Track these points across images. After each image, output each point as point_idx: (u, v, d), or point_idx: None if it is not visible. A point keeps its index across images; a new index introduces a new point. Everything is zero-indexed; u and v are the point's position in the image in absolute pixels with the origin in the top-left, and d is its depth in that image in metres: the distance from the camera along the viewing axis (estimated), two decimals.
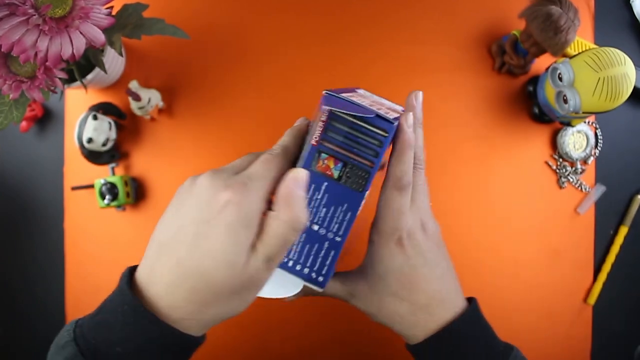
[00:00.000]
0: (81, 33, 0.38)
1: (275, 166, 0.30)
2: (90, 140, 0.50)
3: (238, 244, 0.27)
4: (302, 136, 0.33)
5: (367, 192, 0.31)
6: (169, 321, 0.28)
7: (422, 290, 0.33)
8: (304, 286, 0.33)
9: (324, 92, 0.30)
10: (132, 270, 0.31)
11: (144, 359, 0.28)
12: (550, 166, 0.55)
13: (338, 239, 0.31)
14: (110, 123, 0.52)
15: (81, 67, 0.48)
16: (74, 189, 0.54)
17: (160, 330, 0.28)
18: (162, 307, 0.28)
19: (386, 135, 0.30)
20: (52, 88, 0.42)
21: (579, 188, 0.55)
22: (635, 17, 0.56)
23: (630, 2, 0.56)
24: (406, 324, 0.34)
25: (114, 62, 0.51)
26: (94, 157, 0.52)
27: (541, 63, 0.55)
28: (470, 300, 0.36)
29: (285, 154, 0.31)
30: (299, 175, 0.28)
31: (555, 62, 0.49)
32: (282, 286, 0.33)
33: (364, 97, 0.34)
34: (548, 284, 0.55)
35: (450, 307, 0.34)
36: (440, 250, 0.35)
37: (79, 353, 0.28)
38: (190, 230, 0.28)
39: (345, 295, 0.36)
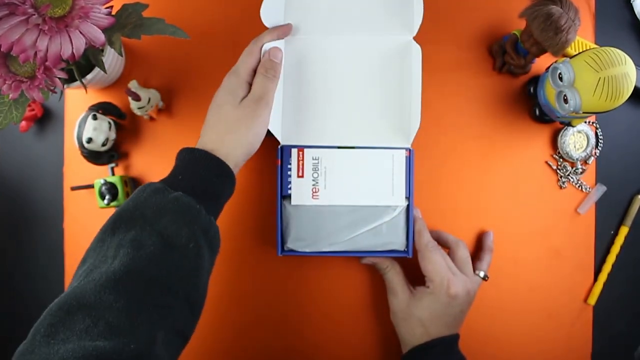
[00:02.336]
0: (81, 33, 0.38)
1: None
2: (89, 140, 0.50)
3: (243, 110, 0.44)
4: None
5: None
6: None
7: (437, 326, 0.47)
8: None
9: None
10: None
11: (197, 178, 0.41)
12: (550, 166, 0.55)
13: None
14: (109, 123, 0.52)
15: (81, 66, 0.48)
16: (73, 189, 0.54)
17: (214, 158, 0.42)
18: (219, 154, 0.42)
19: None
20: (52, 88, 0.42)
21: (580, 188, 0.55)
22: (636, 17, 0.56)
23: (631, 1, 0.56)
24: (412, 337, 0.48)
25: (113, 62, 0.51)
26: (94, 157, 0.52)
27: (541, 63, 0.55)
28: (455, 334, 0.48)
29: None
30: (279, 53, 0.47)
31: (555, 62, 0.49)
32: None
33: None
34: (548, 284, 0.55)
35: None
36: (465, 306, 0.48)
37: (152, 182, 0.40)
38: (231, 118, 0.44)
39: (395, 289, 0.50)
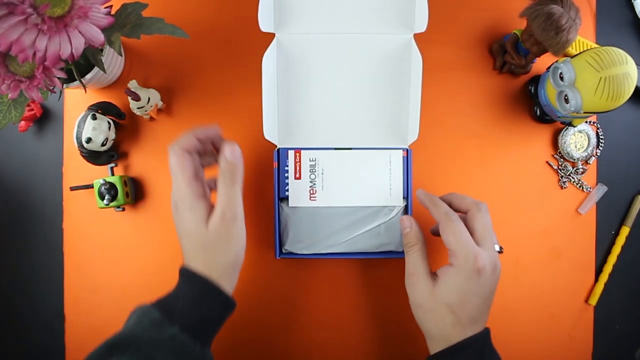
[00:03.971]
0: (80, 32, 0.38)
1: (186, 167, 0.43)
2: (89, 140, 0.50)
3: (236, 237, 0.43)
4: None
5: None
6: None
7: (468, 311, 0.41)
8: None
9: None
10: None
11: (196, 310, 0.41)
12: (551, 166, 0.55)
13: None
14: (109, 123, 0.52)
15: (80, 66, 0.48)
16: (72, 189, 0.54)
17: (214, 289, 0.42)
18: (216, 281, 0.42)
19: None
20: (51, 88, 0.41)
21: (580, 188, 0.55)
22: (637, 16, 0.56)
23: (632, 1, 0.56)
24: (443, 329, 0.42)
25: (113, 61, 0.51)
26: (93, 157, 0.52)
27: (542, 63, 0.54)
28: (486, 329, 0.43)
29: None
30: (236, 150, 0.43)
31: (556, 61, 0.49)
32: None
33: None
34: (549, 285, 0.55)
35: (476, 328, 0.42)
36: (494, 286, 0.43)
37: (153, 309, 0.40)
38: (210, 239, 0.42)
39: (417, 275, 0.43)
